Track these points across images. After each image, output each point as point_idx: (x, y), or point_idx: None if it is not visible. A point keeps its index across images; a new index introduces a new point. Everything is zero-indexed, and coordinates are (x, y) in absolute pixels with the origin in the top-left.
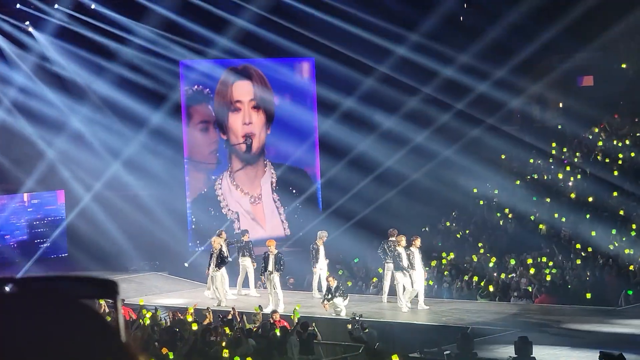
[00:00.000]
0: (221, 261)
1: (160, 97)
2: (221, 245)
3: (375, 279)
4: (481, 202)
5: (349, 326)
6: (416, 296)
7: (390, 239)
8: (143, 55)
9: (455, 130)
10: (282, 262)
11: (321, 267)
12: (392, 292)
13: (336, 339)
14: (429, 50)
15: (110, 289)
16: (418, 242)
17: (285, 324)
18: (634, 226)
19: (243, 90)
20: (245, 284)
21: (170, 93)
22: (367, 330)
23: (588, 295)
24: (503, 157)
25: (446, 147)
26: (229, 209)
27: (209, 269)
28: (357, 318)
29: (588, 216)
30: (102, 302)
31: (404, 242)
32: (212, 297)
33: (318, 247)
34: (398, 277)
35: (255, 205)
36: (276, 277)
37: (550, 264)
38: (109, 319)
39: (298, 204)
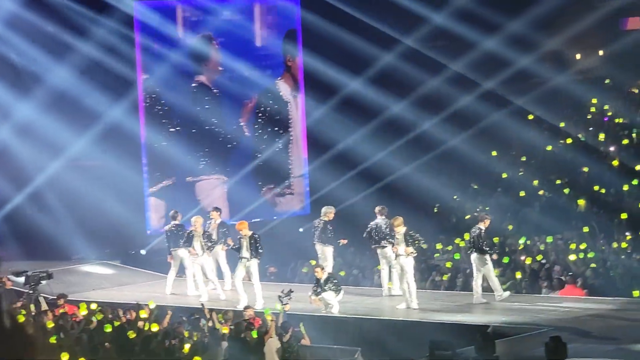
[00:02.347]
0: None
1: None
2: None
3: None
4: (504, 175)
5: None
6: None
7: (380, 217)
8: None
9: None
10: (260, 246)
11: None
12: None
13: (328, 341)
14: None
15: None
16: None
17: (258, 321)
18: None
19: None
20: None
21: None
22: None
23: (636, 294)
24: (531, 117)
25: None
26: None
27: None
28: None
29: (629, 187)
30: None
31: (400, 222)
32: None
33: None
34: (404, 261)
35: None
36: (253, 265)
37: (583, 246)
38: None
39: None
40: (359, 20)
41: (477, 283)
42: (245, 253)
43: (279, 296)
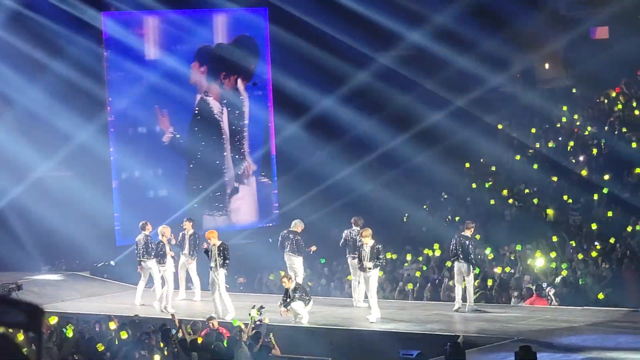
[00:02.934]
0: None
1: None
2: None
3: (350, 277)
4: (474, 186)
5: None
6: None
7: (354, 228)
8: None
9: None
10: (227, 256)
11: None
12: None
13: (298, 351)
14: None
15: (34, 318)
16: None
17: (225, 332)
18: None
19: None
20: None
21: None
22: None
23: (600, 296)
24: (500, 127)
25: (433, 112)
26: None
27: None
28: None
29: (598, 197)
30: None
31: (369, 234)
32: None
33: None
34: (373, 275)
35: None
36: (221, 274)
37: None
38: (25, 350)
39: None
40: (326, 37)
41: (459, 292)
42: (212, 262)
43: (252, 314)
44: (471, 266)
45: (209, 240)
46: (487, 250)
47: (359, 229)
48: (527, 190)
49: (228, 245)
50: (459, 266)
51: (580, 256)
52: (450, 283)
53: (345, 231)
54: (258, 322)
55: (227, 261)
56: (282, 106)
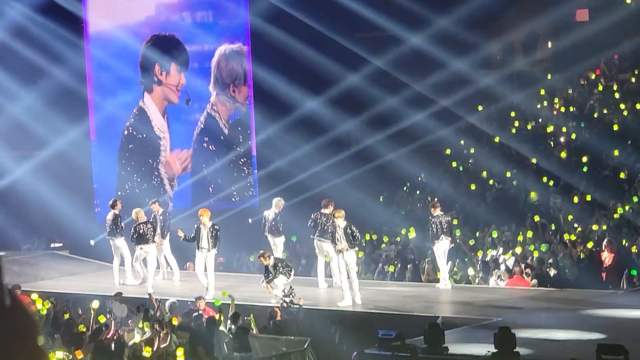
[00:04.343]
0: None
1: None
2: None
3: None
4: (453, 164)
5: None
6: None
7: (322, 210)
8: None
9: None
10: (218, 237)
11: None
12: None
13: (276, 332)
14: None
15: None
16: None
17: (212, 313)
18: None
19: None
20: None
21: None
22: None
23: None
24: (480, 108)
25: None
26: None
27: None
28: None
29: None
30: None
31: (342, 215)
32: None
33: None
34: (346, 256)
35: None
36: (211, 255)
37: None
38: None
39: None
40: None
41: (446, 270)
42: (205, 243)
43: (284, 299)
44: (448, 242)
45: (200, 218)
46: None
47: (329, 211)
48: (508, 173)
49: (219, 226)
50: (443, 245)
51: (565, 236)
52: (430, 265)
53: (314, 213)
54: (294, 305)
55: (219, 242)
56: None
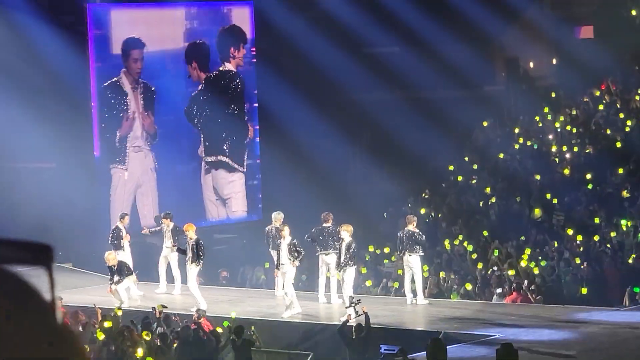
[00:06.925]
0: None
1: None
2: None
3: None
4: (459, 178)
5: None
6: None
7: (324, 225)
8: None
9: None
10: (201, 252)
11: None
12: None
13: (279, 345)
14: None
15: (43, 254)
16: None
17: (209, 326)
18: None
19: None
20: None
21: None
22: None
23: (584, 291)
24: (485, 124)
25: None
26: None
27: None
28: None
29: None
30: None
31: (351, 230)
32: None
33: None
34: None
35: None
36: (192, 269)
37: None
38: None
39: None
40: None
41: (416, 285)
42: (189, 256)
43: (352, 304)
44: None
45: (186, 233)
46: (470, 248)
47: (329, 225)
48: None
49: (202, 242)
50: (414, 259)
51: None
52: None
53: (314, 229)
54: (359, 313)
55: (202, 256)
56: None
